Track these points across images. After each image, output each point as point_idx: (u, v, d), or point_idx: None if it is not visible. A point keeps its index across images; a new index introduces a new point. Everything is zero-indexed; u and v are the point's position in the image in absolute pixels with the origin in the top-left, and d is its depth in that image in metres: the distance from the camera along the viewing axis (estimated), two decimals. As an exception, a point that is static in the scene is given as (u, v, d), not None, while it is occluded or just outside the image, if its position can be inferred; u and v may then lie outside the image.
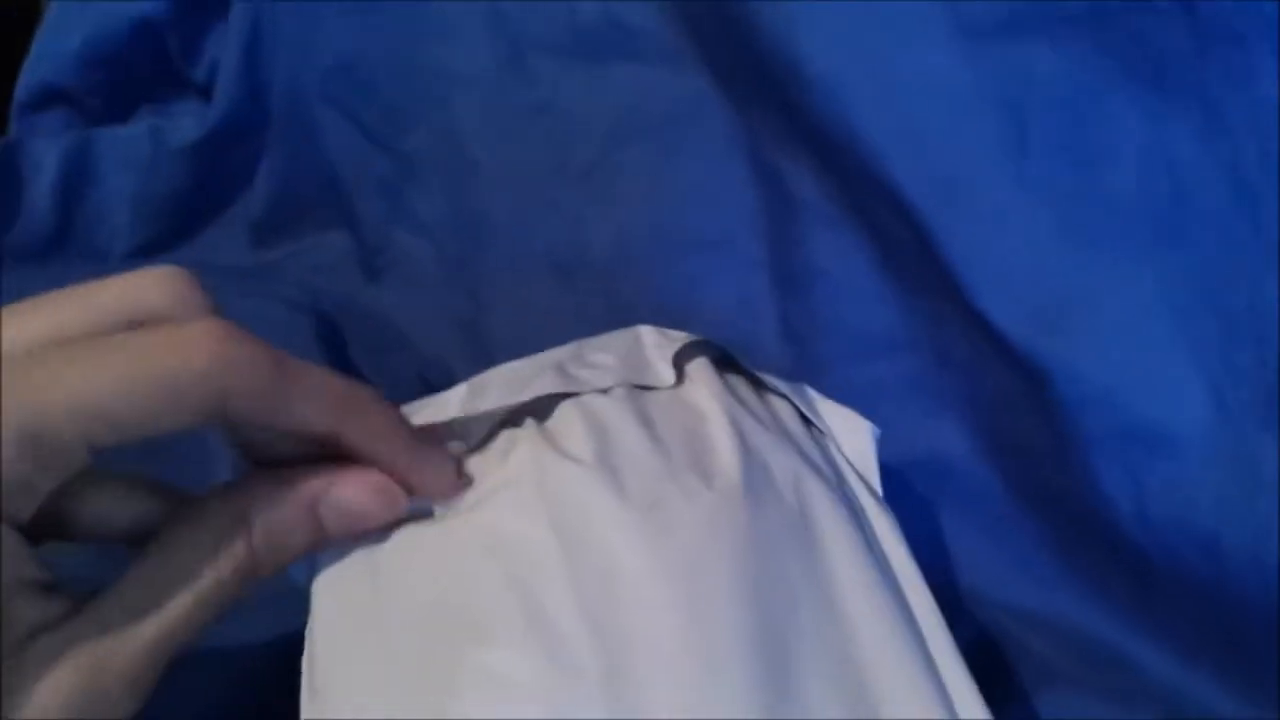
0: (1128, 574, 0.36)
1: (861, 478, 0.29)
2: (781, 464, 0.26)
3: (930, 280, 0.38)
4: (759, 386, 0.30)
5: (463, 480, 0.25)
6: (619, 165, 0.45)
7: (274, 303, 0.45)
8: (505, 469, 0.25)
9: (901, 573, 0.25)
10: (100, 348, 0.20)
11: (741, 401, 0.28)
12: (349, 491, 0.23)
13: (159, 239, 0.52)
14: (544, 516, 0.23)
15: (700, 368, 0.29)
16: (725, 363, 0.31)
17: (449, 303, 0.48)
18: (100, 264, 0.51)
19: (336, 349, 0.45)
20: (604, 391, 0.27)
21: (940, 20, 0.37)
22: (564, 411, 0.27)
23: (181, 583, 0.21)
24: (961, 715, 0.22)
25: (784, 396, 0.30)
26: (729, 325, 0.43)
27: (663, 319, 0.44)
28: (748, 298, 0.43)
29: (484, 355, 0.46)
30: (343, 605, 0.23)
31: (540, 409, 0.27)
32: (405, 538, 0.24)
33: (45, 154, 0.51)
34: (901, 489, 0.39)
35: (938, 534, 0.39)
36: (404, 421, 0.24)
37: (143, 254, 0.52)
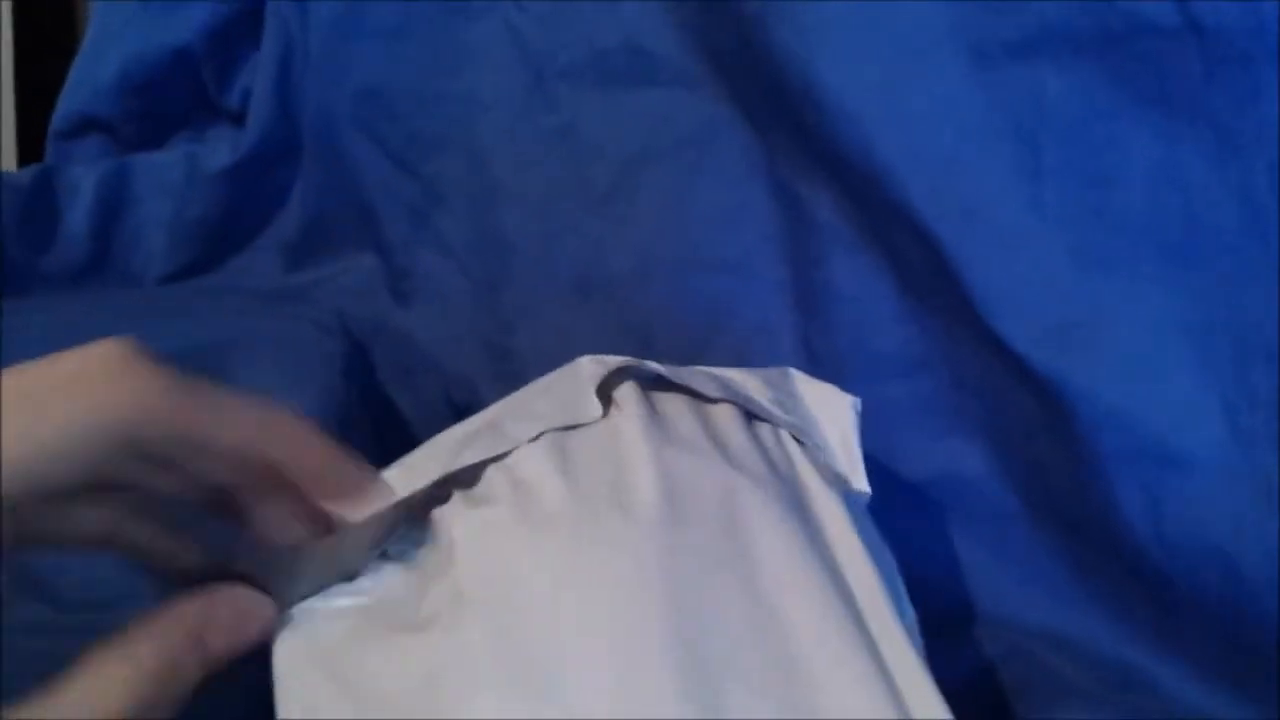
0: (1146, 593, 0.36)
1: (821, 465, 0.29)
2: (706, 480, 0.26)
3: (947, 302, 0.38)
4: (697, 398, 0.31)
5: (382, 493, 0.26)
6: (640, 188, 0.46)
7: (304, 325, 0.45)
8: (437, 551, 0.26)
9: (849, 565, 0.26)
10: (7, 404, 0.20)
11: (667, 422, 0.29)
12: (228, 613, 0.23)
13: (193, 263, 0.54)
14: (472, 599, 0.24)
15: (627, 394, 0.30)
16: (662, 380, 0.31)
17: (475, 324, 0.49)
18: (135, 288, 0.52)
19: (365, 371, 0.46)
20: (533, 440, 0.28)
21: (953, 47, 0.37)
22: (488, 476, 0.27)
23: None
24: (911, 707, 0.22)
25: (731, 400, 0.30)
26: (748, 346, 0.43)
27: (683, 338, 0.44)
28: (767, 319, 0.43)
29: (510, 375, 0.47)
30: (310, 705, 0.23)
31: (468, 476, 0.28)
32: (357, 633, 0.24)
33: (82, 180, 0.53)
34: (918, 506, 0.40)
35: (955, 553, 0.40)
36: (324, 435, 0.24)
37: (177, 277, 0.53)
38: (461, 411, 0.47)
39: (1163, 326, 0.35)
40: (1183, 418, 0.34)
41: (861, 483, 0.29)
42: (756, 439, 0.30)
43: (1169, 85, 0.35)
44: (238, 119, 0.55)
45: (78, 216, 0.52)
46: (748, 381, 0.31)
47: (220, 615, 0.23)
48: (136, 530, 0.23)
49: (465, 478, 0.28)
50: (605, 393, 0.30)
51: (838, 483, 0.29)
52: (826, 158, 0.41)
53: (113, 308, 0.47)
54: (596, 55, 0.47)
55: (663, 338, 0.45)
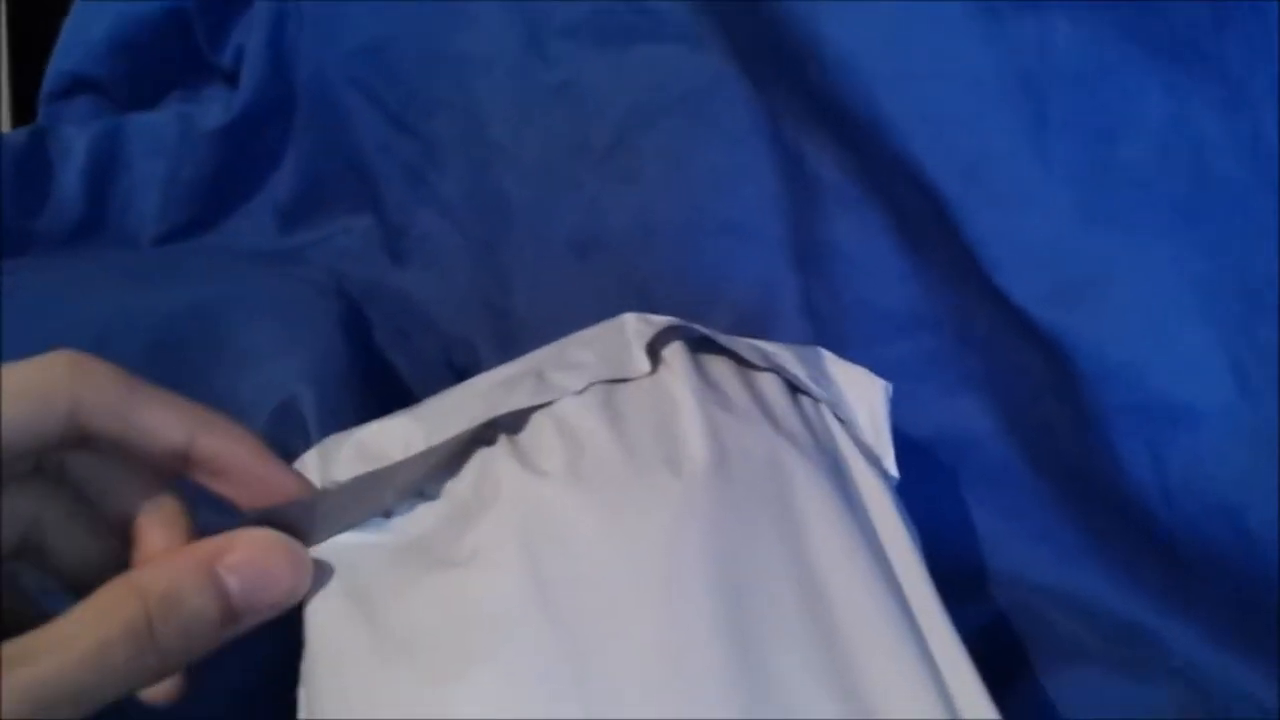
0: (1152, 549, 0.36)
1: (861, 444, 0.29)
2: (755, 444, 0.26)
3: (951, 258, 0.38)
4: (743, 364, 0.31)
5: (307, 486, 0.25)
6: (639, 147, 0.45)
7: (300, 286, 0.45)
8: (480, 493, 0.25)
9: (891, 543, 0.26)
10: None
11: (715, 384, 0.29)
12: (247, 551, 0.23)
13: (187, 224, 0.53)
14: (515, 539, 0.23)
15: (675, 353, 0.30)
16: (707, 343, 0.31)
17: (473, 284, 0.49)
18: (130, 249, 0.52)
19: (362, 331, 0.46)
20: (580, 393, 0.28)
21: (960, -1, 0.37)
22: (536, 423, 0.27)
23: (63, 642, 0.20)
24: (957, 701, 0.22)
25: (775, 370, 0.30)
26: (751, 305, 0.43)
27: (684, 299, 0.44)
28: (769, 278, 0.43)
29: (508, 336, 0.47)
30: (336, 637, 0.23)
31: (513, 422, 0.27)
32: (391, 568, 0.24)
33: (74, 141, 0.52)
34: (924, 466, 0.40)
35: (961, 511, 0.39)
36: (251, 434, 0.24)
37: (171, 238, 0.53)
38: (460, 372, 0.46)
39: (1169, 281, 0.35)
40: (1189, 373, 0.34)
41: (892, 466, 0.29)
42: (800, 410, 0.29)
43: (1179, 36, 0.34)
44: (231, 78, 0.54)
45: (70, 178, 0.52)
46: (783, 355, 0.31)
47: (238, 551, 0.22)
48: (59, 533, 0.23)
49: (509, 423, 0.27)
50: (653, 351, 0.30)
51: (875, 462, 0.29)
52: (829, 114, 0.40)
53: (108, 268, 0.47)
54: (595, 11, 0.46)
55: (664, 297, 0.44)
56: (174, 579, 0.21)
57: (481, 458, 0.26)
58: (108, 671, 0.20)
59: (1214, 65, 0.34)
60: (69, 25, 0.56)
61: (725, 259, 0.44)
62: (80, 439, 0.22)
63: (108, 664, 0.20)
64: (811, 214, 0.42)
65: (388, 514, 0.25)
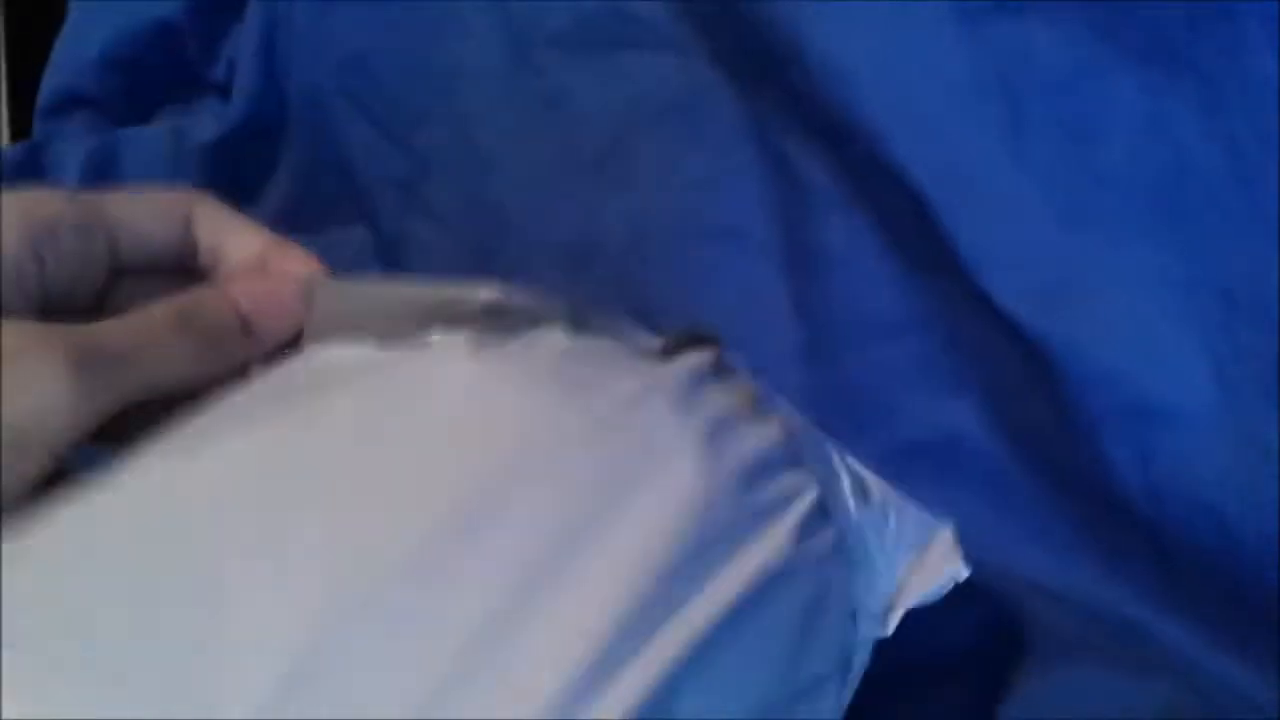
0: (1142, 548, 0.36)
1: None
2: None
3: (937, 262, 0.38)
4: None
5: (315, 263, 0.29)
6: (629, 154, 0.46)
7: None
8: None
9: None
10: None
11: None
12: (252, 280, 0.27)
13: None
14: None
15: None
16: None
17: (468, 293, 0.49)
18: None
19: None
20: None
21: (941, 2, 0.37)
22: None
23: (112, 323, 0.24)
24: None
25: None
26: (742, 310, 0.43)
27: (677, 305, 0.44)
28: (759, 282, 0.43)
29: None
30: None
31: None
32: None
33: (69, 156, 0.52)
34: (915, 468, 0.40)
35: (953, 511, 0.39)
36: (310, 254, 0.29)
37: (166, 253, 0.53)
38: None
39: (1149, 282, 0.35)
40: (1170, 373, 0.34)
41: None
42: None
43: (1154, 38, 0.34)
44: (223, 91, 0.55)
45: (65, 193, 0.52)
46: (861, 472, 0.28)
47: (245, 280, 0.27)
48: None
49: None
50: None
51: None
52: (815, 119, 0.41)
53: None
54: (582, 20, 0.46)
55: (658, 305, 0.44)
56: (197, 295, 0.26)
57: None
58: (154, 340, 0.24)
59: (1189, 66, 0.34)
60: (62, 41, 0.57)
61: (716, 263, 0.44)
62: (191, 251, 0.28)
63: (148, 337, 0.24)
64: (801, 218, 0.43)
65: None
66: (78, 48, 0.56)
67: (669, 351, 0.27)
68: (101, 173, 0.53)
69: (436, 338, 0.25)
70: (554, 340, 0.26)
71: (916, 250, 0.40)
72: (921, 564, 0.28)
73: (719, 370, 0.27)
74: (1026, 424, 0.38)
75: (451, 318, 0.26)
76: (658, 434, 0.23)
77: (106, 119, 0.56)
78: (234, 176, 0.54)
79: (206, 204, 0.28)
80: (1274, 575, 0.32)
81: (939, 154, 0.37)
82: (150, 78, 0.56)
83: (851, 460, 0.29)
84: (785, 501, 0.24)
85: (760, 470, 0.24)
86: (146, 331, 0.24)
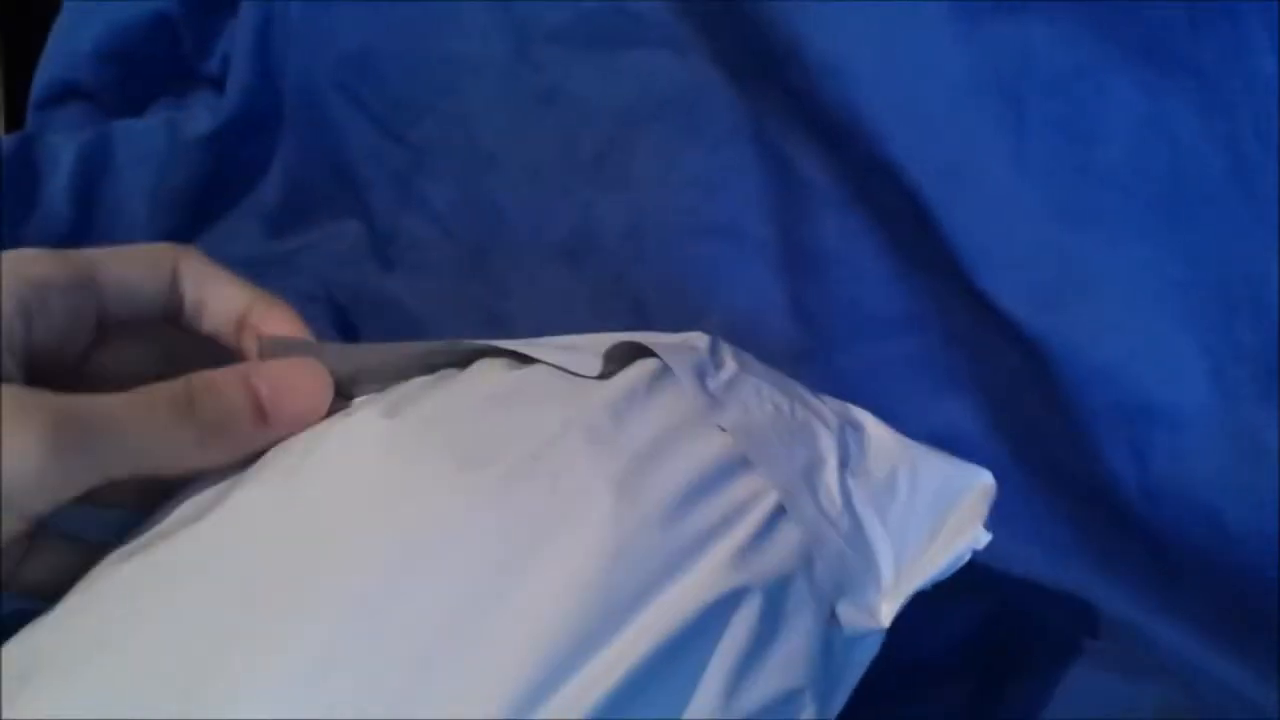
0: (1138, 547, 0.36)
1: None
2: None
3: (935, 260, 0.38)
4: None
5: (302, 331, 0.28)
6: (628, 152, 0.46)
7: (288, 293, 0.45)
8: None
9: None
10: None
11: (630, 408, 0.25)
12: (275, 366, 0.26)
13: (175, 231, 0.53)
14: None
15: (646, 369, 0.26)
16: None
17: (463, 290, 0.49)
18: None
19: (351, 338, 0.46)
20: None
21: (937, 1, 0.37)
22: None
23: (113, 399, 0.23)
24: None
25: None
26: (740, 308, 0.43)
27: (676, 304, 0.44)
28: (758, 280, 0.43)
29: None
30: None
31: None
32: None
33: (62, 148, 0.52)
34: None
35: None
36: (292, 309, 0.29)
37: (160, 246, 0.52)
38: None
39: (1147, 281, 0.35)
40: (1168, 373, 0.34)
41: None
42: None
43: (1155, 38, 0.35)
44: (218, 84, 0.54)
45: (58, 185, 0.52)
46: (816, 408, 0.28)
47: (268, 365, 0.26)
48: None
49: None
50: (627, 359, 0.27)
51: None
52: (813, 117, 0.41)
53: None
54: (582, 16, 0.46)
55: (656, 302, 0.44)
56: (212, 376, 0.25)
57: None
58: (149, 424, 0.23)
59: (1189, 66, 0.34)
60: (56, 33, 0.56)
61: (715, 261, 0.44)
62: (177, 305, 0.28)
63: (145, 417, 0.23)
64: (799, 216, 0.43)
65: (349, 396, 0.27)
66: (72, 40, 0.55)
67: (606, 372, 0.26)
68: (95, 165, 0.52)
69: (359, 398, 0.27)
70: (487, 380, 0.26)
71: (914, 249, 0.40)
72: (933, 541, 0.28)
73: (661, 378, 0.26)
74: (1024, 422, 0.38)
75: (434, 367, 0.27)
76: (569, 480, 0.22)
77: (100, 111, 0.56)
78: (228, 170, 0.53)
79: (192, 257, 0.28)
80: (1272, 575, 0.32)
81: (938, 153, 0.37)
82: (144, 70, 0.55)
83: (857, 418, 0.28)
84: (726, 523, 0.23)
85: (696, 492, 0.23)
86: (145, 410, 0.23)
